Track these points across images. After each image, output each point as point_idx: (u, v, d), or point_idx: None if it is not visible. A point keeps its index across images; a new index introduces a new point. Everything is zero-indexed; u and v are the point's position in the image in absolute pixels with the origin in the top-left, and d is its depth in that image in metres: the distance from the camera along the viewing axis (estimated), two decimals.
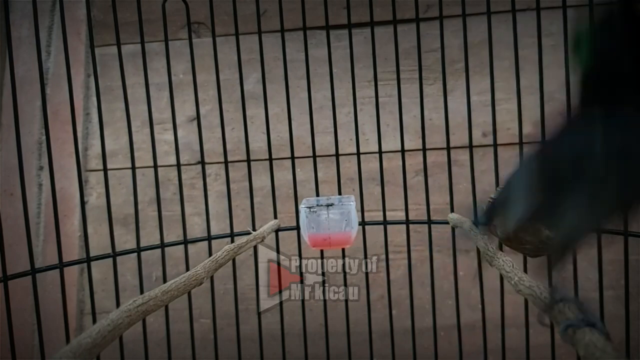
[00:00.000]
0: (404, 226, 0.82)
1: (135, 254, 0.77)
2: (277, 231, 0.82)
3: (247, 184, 0.83)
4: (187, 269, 0.65)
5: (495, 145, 0.77)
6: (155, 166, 0.78)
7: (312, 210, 0.72)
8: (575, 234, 0.32)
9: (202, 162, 0.81)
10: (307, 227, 0.73)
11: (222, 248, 0.65)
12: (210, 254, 0.74)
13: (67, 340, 0.75)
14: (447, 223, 0.78)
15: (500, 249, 0.68)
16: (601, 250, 0.71)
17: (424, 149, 0.81)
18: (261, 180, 1.06)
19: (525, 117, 0.78)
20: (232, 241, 0.78)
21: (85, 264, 0.72)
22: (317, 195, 0.84)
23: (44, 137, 1.12)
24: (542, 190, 0.32)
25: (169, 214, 1.06)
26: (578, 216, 0.30)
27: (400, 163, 0.82)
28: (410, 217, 0.82)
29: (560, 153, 0.32)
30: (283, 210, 0.96)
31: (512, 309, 0.83)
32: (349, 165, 1.00)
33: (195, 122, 0.87)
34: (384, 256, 0.82)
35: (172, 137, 0.79)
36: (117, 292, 0.75)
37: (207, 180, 1.05)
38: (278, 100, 0.96)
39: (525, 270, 0.67)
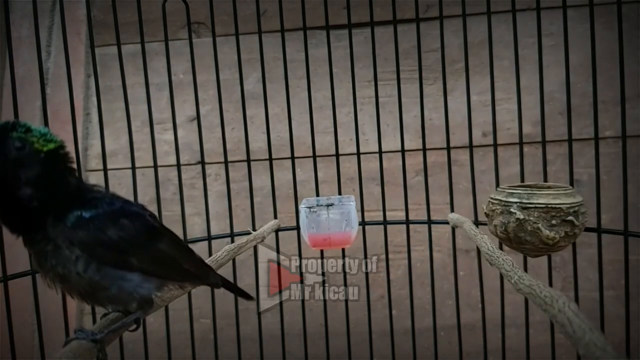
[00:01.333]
0: (404, 226, 0.82)
1: None
2: (277, 231, 0.82)
3: (247, 184, 0.83)
4: None
5: (495, 145, 0.77)
6: (155, 166, 0.78)
7: (312, 210, 0.72)
8: None
9: (202, 162, 0.81)
10: (307, 227, 0.73)
11: (222, 248, 0.65)
12: (210, 254, 0.74)
13: None
14: (447, 223, 0.78)
15: (501, 248, 0.68)
16: (601, 250, 0.71)
17: (424, 149, 0.81)
18: (261, 180, 1.06)
19: (525, 117, 0.78)
20: (232, 241, 0.78)
21: None
22: (317, 195, 0.83)
23: None
24: None
25: (169, 214, 1.06)
26: None
27: (400, 163, 0.82)
28: (410, 217, 0.82)
29: None
30: (283, 210, 0.96)
31: (512, 309, 0.83)
32: (349, 165, 1.00)
33: (195, 122, 0.87)
34: (384, 256, 0.82)
35: (172, 137, 0.79)
36: None
37: (207, 180, 1.05)
38: (278, 100, 0.96)
39: (525, 270, 0.67)
